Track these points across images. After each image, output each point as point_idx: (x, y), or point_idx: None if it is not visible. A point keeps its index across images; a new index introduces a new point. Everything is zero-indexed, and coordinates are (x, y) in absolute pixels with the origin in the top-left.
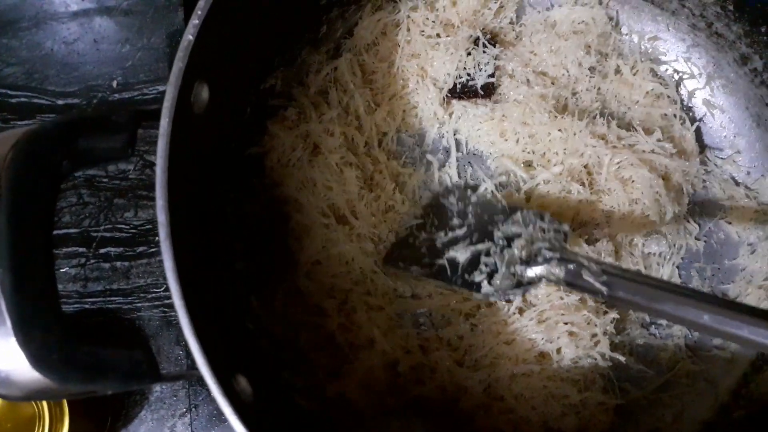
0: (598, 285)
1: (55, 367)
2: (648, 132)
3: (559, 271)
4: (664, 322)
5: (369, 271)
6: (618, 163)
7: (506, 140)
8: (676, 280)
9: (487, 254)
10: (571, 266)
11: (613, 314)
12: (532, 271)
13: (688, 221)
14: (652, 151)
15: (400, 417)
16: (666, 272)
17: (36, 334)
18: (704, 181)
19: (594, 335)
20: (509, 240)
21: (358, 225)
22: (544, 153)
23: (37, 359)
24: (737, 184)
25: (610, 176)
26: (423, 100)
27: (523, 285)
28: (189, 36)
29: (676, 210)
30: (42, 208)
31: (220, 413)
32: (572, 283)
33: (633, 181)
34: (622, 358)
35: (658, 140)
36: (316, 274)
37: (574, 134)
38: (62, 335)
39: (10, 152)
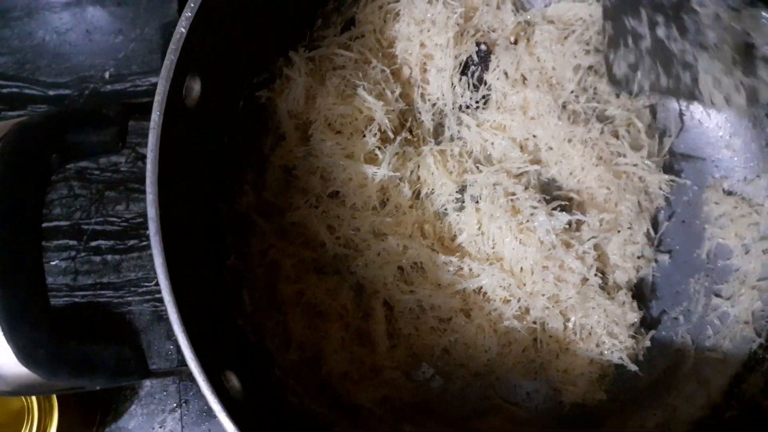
0: None
1: (43, 363)
2: (637, 147)
3: None
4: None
5: None
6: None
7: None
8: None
9: None
10: None
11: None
12: None
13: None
14: (635, 165)
15: (412, 421)
16: None
17: (24, 329)
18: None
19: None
20: None
21: None
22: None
23: (24, 354)
24: (730, 193)
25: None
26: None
27: None
28: (181, 29)
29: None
30: (31, 202)
31: (210, 409)
32: None
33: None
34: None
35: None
36: None
37: (569, 141)
38: (50, 330)
39: None
